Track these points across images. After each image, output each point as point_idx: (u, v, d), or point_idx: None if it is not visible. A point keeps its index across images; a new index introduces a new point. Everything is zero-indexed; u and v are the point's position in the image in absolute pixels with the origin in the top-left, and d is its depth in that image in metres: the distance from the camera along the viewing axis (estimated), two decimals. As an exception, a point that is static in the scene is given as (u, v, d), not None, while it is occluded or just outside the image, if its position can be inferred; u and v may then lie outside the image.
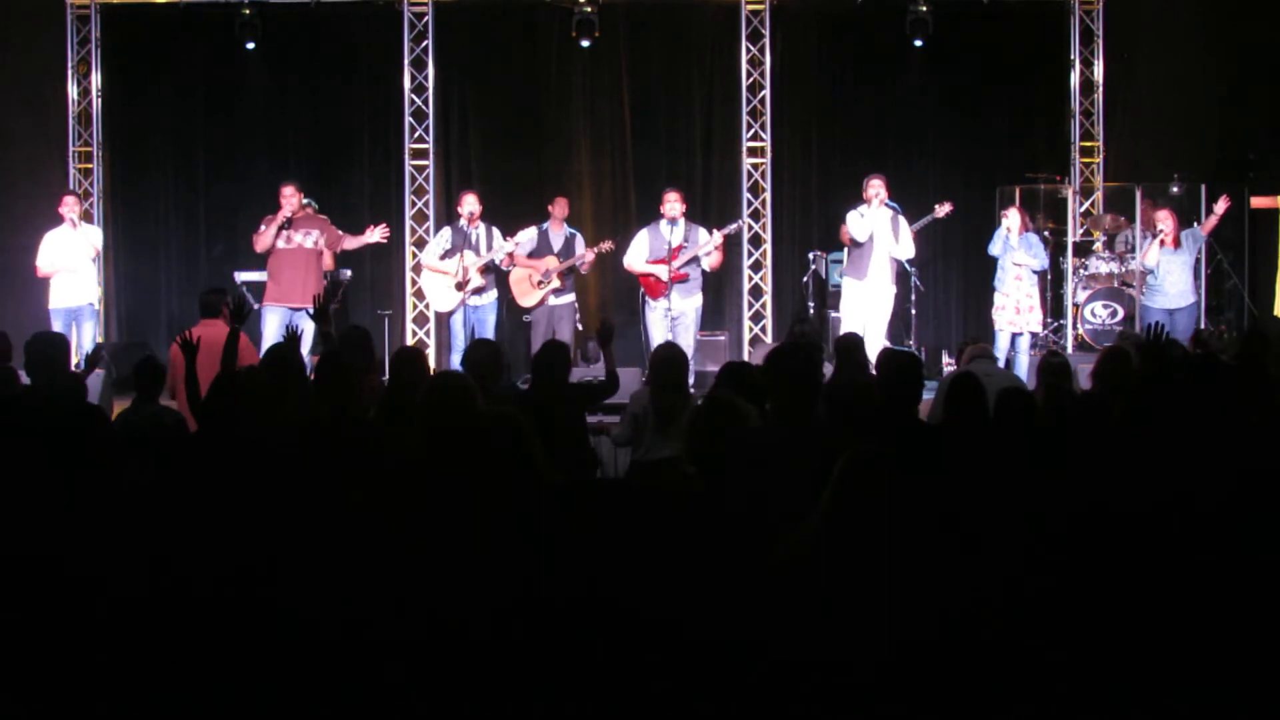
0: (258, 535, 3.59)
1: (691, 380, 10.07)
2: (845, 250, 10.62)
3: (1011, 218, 10.36)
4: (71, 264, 10.03)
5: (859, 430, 4.35)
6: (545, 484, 3.70)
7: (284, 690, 3.21)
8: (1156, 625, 3.31)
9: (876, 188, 9.97)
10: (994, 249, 10.45)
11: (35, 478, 3.73)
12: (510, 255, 10.15)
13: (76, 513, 3.55)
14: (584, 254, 10.23)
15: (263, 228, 9.72)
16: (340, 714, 3.19)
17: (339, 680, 3.20)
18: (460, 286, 10.02)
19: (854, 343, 7.16)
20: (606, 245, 10.32)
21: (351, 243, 9.93)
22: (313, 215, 10.10)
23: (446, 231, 10.38)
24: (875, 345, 9.71)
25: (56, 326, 9.69)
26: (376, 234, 9.82)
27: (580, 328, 10.72)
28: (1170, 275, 10.11)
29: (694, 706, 3.11)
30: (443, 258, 10.23)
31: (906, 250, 10.11)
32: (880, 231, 9.97)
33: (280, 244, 9.63)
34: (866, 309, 10.01)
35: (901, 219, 10.10)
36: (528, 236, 10.25)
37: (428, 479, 3.88)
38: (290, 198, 9.67)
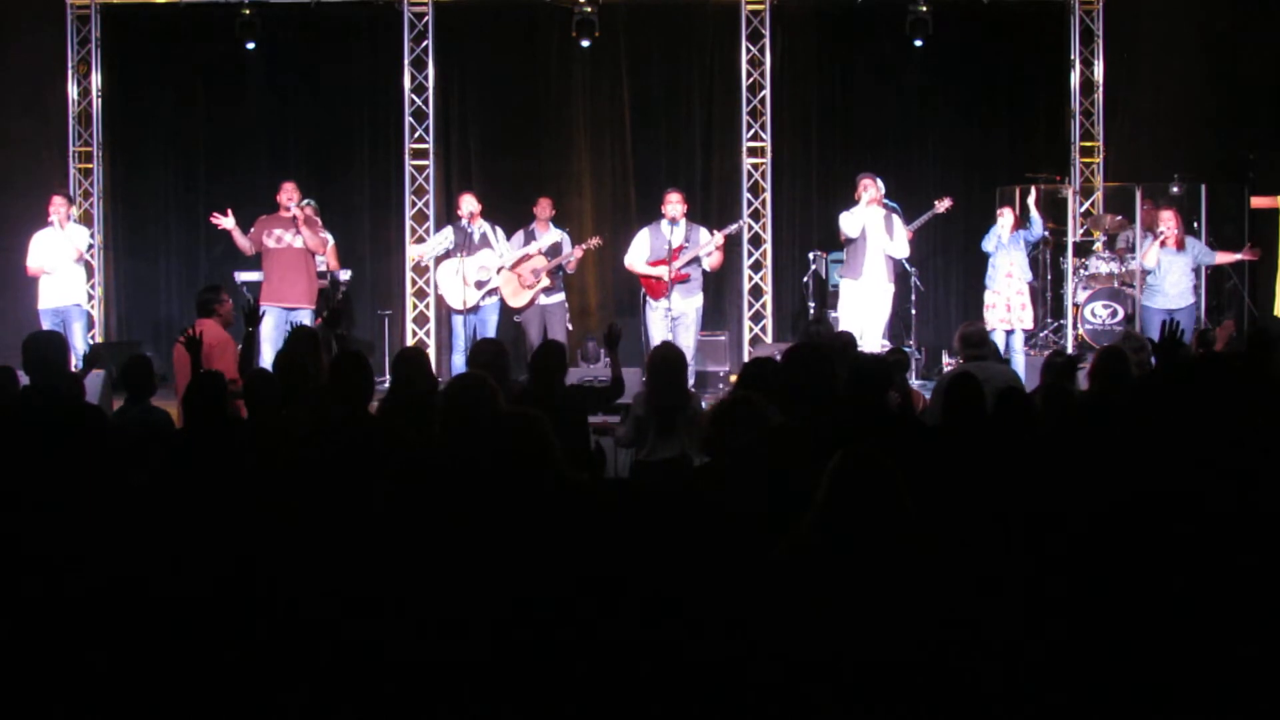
0: (265, 536, 3.59)
1: (691, 381, 10.21)
2: (845, 250, 10.64)
3: (1005, 217, 10.42)
4: (57, 264, 10.04)
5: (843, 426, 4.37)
6: (567, 483, 3.71)
7: (289, 692, 3.21)
8: (1157, 627, 3.30)
9: (866, 186, 9.96)
10: (988, 245, 10.55)
11: (34, 477, 3.73)
12: (526, 255, 10.19)
13: (76, 513, 3.55)
14: (570, 252, 10.26)
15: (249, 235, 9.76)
16: (350, 714, 3.18)
17: (350, 681, 3.20)
18: (479, 285, 10.09)
19: (845, 342, 7.14)
20: (594, 242, 10.36)
21: (313, 241, 9.85)
22: (310, 216, 10.06)
23: (449, 230, 10.43)
24: (873, 344, 9.71)
25: (45, 327, 9.67)
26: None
27: (570, 327, 10.73)
28: (1170, 275, 10.10)
29: (700, 706, 3.11)
30: (443, 257, 10.28)
31: (901, 249, 10.10)
32: (874, 229, 9.95)
33: (271, 244, 9.67)
34: (864, 308, 10.00)
35: (896, 217, 10.09)
36: (550, 240, 10.29)
37: (446, 478, 3.88)
38: (293, 194, 9.72)
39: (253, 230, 9.75)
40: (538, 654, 3.18)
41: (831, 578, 3.20)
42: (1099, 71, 12.03)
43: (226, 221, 9.67)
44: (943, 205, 10.69)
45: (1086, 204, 12.05)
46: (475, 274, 10.12)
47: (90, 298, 11.46)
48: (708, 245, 10.02)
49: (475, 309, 10.11)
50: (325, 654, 3.23)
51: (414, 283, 11.79)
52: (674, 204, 10.03)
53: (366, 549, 3.48)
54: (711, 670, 3.12)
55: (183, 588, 3.35)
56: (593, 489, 3.88)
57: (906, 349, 10.73)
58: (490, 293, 10.21)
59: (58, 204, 10.17)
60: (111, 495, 3.69)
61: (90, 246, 11.15)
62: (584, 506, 3.67)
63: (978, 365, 6.64)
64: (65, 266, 10.08)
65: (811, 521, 3.32)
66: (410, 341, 11.71)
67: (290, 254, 9.66)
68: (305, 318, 9.60)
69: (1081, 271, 11.47)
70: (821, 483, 3.33)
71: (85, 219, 11.57)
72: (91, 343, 10.58)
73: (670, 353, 6.26)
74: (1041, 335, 11.35)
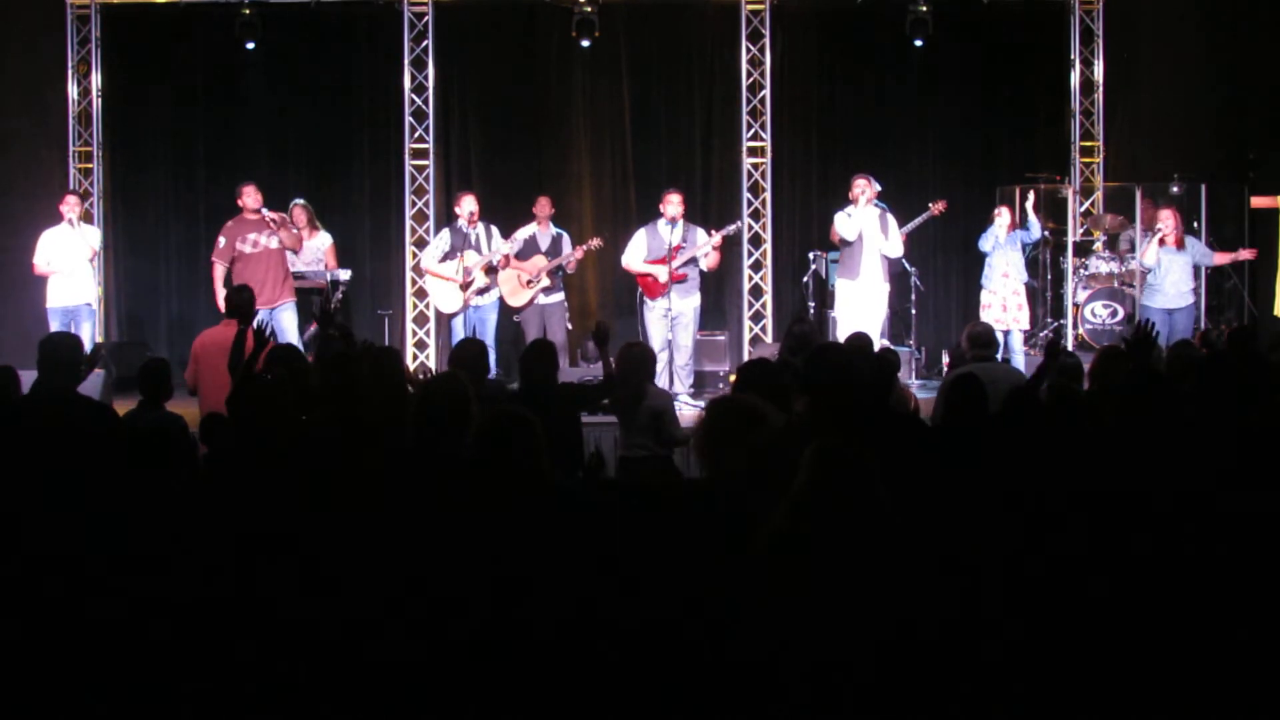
0: (260, 538, 3.59)
1: (690, 380, 10.26)
2: (840, 251, 10.65)
3: (1003, 217, 10.45)
4: (68, 264, 10.01)
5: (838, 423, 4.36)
6: (544, 484, 3.69)
7: (281, 695, 3.21)
8: (1151, 625, 3.31)
9: (862, 187, 9.98)
10: (984, 244, 10.56)
11: (43, 477, 3.73)
12: (506, 257, 10.18)
13: (86, 512, 3.55)
14: (571, 253, 10.25)
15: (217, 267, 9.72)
16: (337, 716, 3.19)
17: (336, 684, 3.20)
18: (464, 287, 10.04)
19: (861, 344, 7.12)
20: (595, 242, 10.36)
21: (289, 239, 9.82)
22: (282, 217, 10.00)
23: (445, 233, 10.41)
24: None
25: (54, 326, 9.67)
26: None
27: (570, 326, 10.73)
28: (1171, 275, 10.11)
29: (689, 707, 3.11)
30: (442, 260, 10.26)
31: (895, 248, 10.13)
32: (869, 230, 9.98)
33: (247, 249, 9.61)
34: (861, 309, 10.02)
35: (890, 216, 10.11)
36: (526, 234, 10.31)
37: (421, 479, 3.88)
38: (254, 195, 9.67)
39: (223, 245, 9.68)
40: (521, 657, 3.18)
41: (807, 571, 3.20)
42: (1099, 71, 12.03)
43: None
44: (937, 208, 10.71)
45: (1086, 204, 12.05)
46: (459, 276, 10.11)
47: (91, 297, 11.45)
48: (704, 246, 10.03)
49: (463, 309, 10.08)
50: (311, 655, 3.23)
51: (414, 282, 11.79)
52: (673, 204, 10.05)
53: (346, 549, 3.47)
54: (694, 668, 3.12)
55: (189, 590, 3.35)
56: (575, 491, 3.85)
57: (906, 348, 10.76)
58: (480, 292, 10.18)
59: (72, 202, 10.17)
60: (133, 496, 3.68)
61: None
62: (566, 508, 3.65)
63: (982, 366, 6.63)
64: (78, 266, 10.07)
65: (786, 515, 3.31)
66: (410, 341, 11.73)
67: (266, 255, 9.61)
68: (289, 311, 9.58)
69: (1081, 271, 11.49)
70: (796, 477, 3.33)
71: (85, 219, 11.54)
72: (94, 342, 10.57)
73: (630, 352, 6.42)
74: (1041, 335, 11.36)
